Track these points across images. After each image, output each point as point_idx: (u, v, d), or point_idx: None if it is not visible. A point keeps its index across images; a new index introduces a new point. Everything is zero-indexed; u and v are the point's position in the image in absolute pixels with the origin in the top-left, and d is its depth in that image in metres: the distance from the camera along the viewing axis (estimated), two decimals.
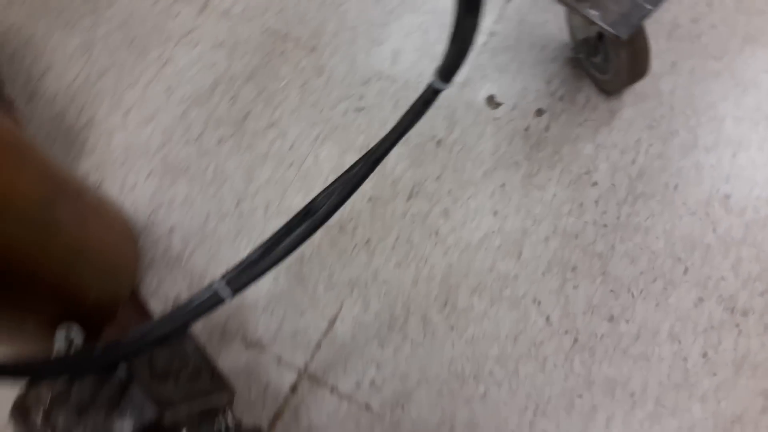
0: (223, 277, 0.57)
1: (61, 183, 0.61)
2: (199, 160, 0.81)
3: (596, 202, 0.75)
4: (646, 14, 0.63)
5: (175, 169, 0.81)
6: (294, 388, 0.70)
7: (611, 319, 0.71)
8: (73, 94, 0.83)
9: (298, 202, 0.78)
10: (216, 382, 0.59)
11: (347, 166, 0.70)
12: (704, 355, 0.69)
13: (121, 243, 0.71)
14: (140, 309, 0.72)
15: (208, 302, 0.56)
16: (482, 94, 0.81)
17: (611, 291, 0.72)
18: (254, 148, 0.82)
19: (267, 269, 0.58)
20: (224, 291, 0.56)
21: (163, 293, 0.75)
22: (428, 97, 0.55)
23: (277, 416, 0.70)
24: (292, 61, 0.85)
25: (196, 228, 0.78)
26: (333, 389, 0.70)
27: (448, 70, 0.53)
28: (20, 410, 0.54)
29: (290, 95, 0.83)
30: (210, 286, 0.56)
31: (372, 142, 0.74)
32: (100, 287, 0.67)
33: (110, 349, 0.53)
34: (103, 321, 0.68)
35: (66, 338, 0.60)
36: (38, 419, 0.53)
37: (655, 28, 0.79)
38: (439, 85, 0.54)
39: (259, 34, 0.86)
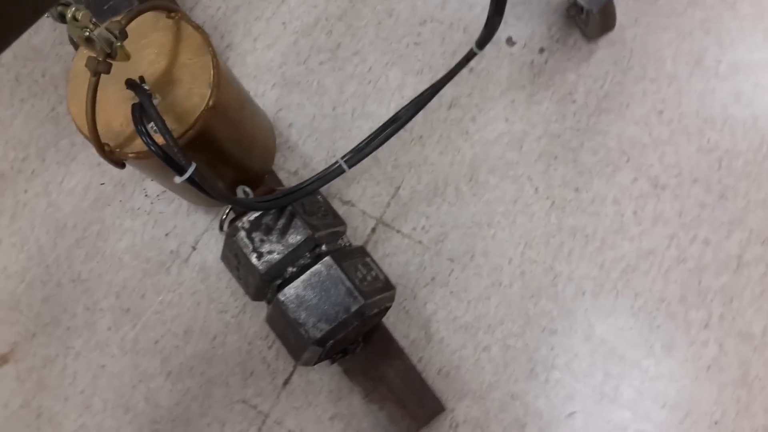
0: (343, 157, 0.94)
1: (241, 90, 0.97)
2: (306, 77, 1.16)
3: (574, 113, 1.11)
4: None
5: (290, 82, 1.16)
6: (373, 230, 1.10)
7: (577, 189, 1.08)
8: (215, 24, 1.17)
9: (374, 108, 1.14)
10: (337, 218, 0.98)
11: (408, 86, 1.07)
12: (635, 213, 1.06)
13: (269, 133, 1.08)
14: (275, 178, 1.11)
15: (335, 171, 0.94)
16: (503, 36, 1.15)
17: (579, 172, 1.08)
18: (344, 70, 1.17)
19: (369, 153, 0.96)
20: (344, 165, 0.94)
21: (287, 168, 1.13)
22: (469, 57, 0.91)
23: (362, 245, 1.10)
24: (370, 5, 1.18)
25: (306, 124, 1.14)
26: (398, 231, 1.09)
27: (483, 42, 0.88)
28: (231, 229, 0.93)
29: (369, 31, 1.18)
30: (336, 162, 0.94)
31: (425, 68, 1.11)
32: (259, 162, 1.03)
33: (286, 194, 0.91)
34: (257, 184, 1.06)
35: (244, 193, 0.99)
36: (243, 234, 0.92)
37: None
38: (476, 50, 0.90)
39: None
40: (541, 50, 1.14)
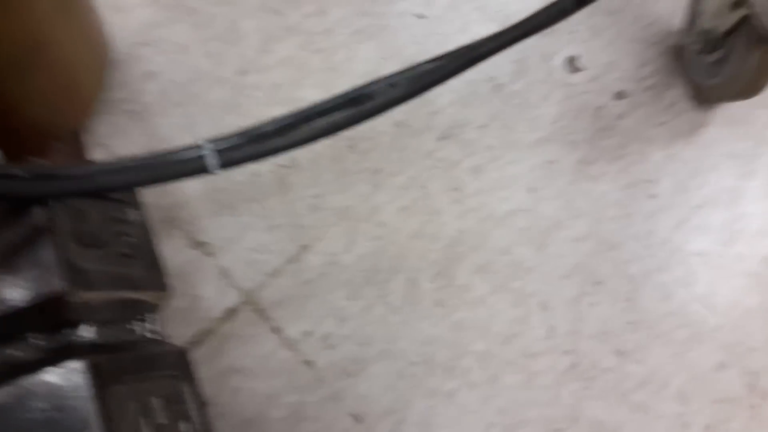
0: (214, 140, 0.42)
1: None
2: (213, 6, 0.64)
3: (647, 217, 0.62)
4: None
5: (181, 5, 0.63)
6: (231, 313, 0.56)
7: (621, 354, 0.58)
8: None
9: (312, 95, 0.61)
10: (152, 273, 0.44)
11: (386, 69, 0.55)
12: (708, 427, 0.57)
13: (87, 60, 0.54)
14: (79, 154, 0.56)
15: (187, 165, 0.42)
16: (564, 52, 0.66)
17: (630, 323, 0.59)
18: (282, 15, 0.65)
19: (275, 151, 0.45)
20: (212, 158, 0.41)
21: (114, 146, 0.58)
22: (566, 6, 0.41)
23: (197, 340, 0.55)
24: None
25: (180, 83, 0.61)
26: (277, 330, 0.56)
27: None
28: None
29: None
30: (195, 146, 0.41)
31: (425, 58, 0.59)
32: (42, 104, 0.50)
33: (39, 175, 0.37)
34: (31, 151, 0.51)
35: None
36: None
37: None
38: None
39: None
40: (620, 95, 0.65)
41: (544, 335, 0.58)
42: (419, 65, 0.51)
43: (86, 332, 0.39)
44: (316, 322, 0.56)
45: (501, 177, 0.62)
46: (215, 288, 0.55)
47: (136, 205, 0.48)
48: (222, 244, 0.57)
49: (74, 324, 0.39)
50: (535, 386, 0.56)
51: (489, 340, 0.57)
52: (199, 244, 0.56)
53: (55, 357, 0.37)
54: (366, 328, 0.56)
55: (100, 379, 0.36)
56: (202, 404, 0.44)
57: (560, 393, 0.57)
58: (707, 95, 0.65)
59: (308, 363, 0.54)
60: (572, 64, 0.66)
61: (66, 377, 0.36)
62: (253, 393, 0.53)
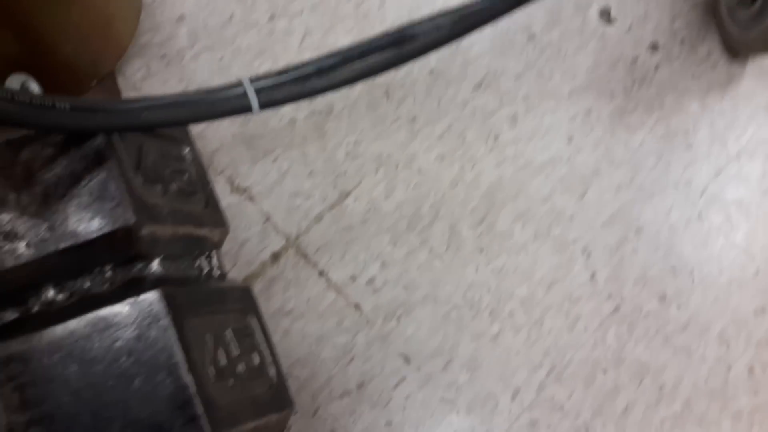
0: (256, 79, 0.51)
1: None
2: None
3: (686, 167, 0.74)
4: None
5: None
6: (276, 257, 0.65)
7: (663, 298, 0.69)
8: None
9: (343, 42, 0.72)
10: (210, 211, 0.53)
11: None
12: (750, 369, 0.69)
13: (122, 2, 0.63)
14: (113, 88, 0.65)
15: (230, 103, 0.51)
16: (598, 4, 0.77)
17: (672, 268, 0.71)
18: None
19: (317, 91, 0.54)
20: (254, 97, 0.50)
21: (147, 89, 0.68)
22: None
23: (246, 283, 0.64)
24: None
25: (212, 27, 0.71)
26: (322, 273, 0.65)
27: None
28: None
29: None
30: (238, 84, 0.51)
31: None
32: (77, 42, 0.59)
33: (80, 108, 0.45)
34: (67, 92, 0.60)
35: (22, 87, 0.52)
36: None
37: None
38: None
39: None
40: (654, 46, 0.77)
41: (586, 280, 0.69)
42: (465, 6, 0.61)
43: (155, 266, 0.47)
44: (360, 267, 0.66)
45: (538, 126, 0.73)
46: (259, 232, 0.65)
47: (189, 143, 0.57)
48: (263, 190, 0.66)
49: (143, 258, 0.47)
50: (578, 330, 0.67)
51: (532, 285, 0.68)
52: (240, 189, 0.66)
53: (126, 290, 0.46)
54: (410, 273, 0.66)
55: (177, 309, 0.42)
56: (268, 338, 0.53)
57: (604, 336, 0.68)
58: (742, 48, 0.77)
59: (356, 306, 0.64)
60: (606, 15, 0.78)
61: (143, 308, 0.41)
62: (303, 334, 0.63)
